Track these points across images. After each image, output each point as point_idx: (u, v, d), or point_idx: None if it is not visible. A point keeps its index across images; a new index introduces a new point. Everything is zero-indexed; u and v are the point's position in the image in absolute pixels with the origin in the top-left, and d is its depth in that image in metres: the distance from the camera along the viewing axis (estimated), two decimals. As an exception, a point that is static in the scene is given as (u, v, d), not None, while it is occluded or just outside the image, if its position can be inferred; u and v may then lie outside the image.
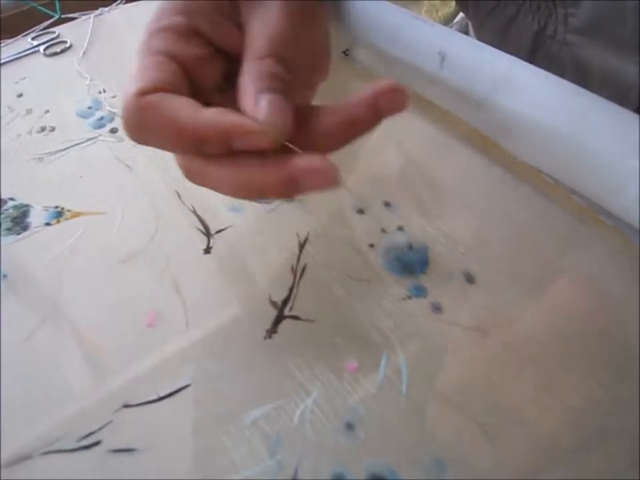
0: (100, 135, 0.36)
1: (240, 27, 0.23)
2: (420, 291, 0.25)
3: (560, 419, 0.21)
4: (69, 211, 0.31)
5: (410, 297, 0.25)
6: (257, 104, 0.19)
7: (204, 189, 0.22)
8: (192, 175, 0.22)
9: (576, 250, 0.27)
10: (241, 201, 0.30)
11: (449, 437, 0.20)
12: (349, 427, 0.21)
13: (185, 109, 0.19)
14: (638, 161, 0.25)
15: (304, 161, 0.19)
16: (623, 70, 0.36)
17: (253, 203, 0.30)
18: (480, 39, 0.47)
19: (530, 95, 0.29)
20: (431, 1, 1.54)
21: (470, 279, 0.26)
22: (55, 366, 0.24)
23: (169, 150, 0.21)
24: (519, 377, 0.22)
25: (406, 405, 0.21)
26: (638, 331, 0.23)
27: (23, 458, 0.21)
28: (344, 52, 0.40)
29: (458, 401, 0.21)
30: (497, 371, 0.22)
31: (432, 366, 0.23)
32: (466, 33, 0.53)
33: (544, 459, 0.20)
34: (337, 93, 0.31)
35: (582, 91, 0.28)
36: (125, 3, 0.51)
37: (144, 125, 0.20)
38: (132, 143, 0.21)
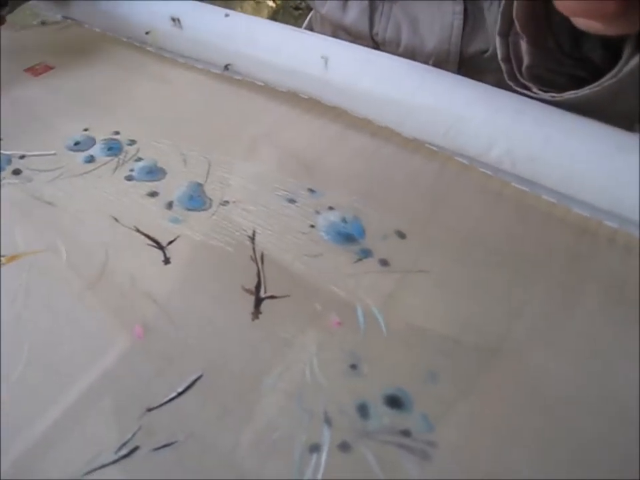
0: (4, 178, 0.35)
1: None
2: (366, 253, 0.30)
3: (492, 327, 0.27)
4: (3, 256, 0.30)
5: (360, 259, 0.30)
6: None
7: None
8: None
9: (449, 189, 0.34)
10: (180, 213, 0.32)
11: (434, 354, 0.25)
12: (354, 367, 0.25)
13: None
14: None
15: None
16: (445, 13, 0.45)
17: (191, 212, 0.33)
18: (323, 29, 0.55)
19: (388, 77, 0.36)
20: (249, 1, 1.60)
21: (401, 235, 0.31)
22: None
23: None
24: (463, 299, 0.28)
25: (391, 340, 0.26)
26: (543, 245, 0.30)
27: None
28: (225, 67, 0.43)
29: (429, 326, 0.26)
30: (448, 299, 0.28)
31: (399, 306, 0.27)
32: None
33: (492, 359, 0.26)
34: (220, 106, 0.35)
35: (420, 65, 0.37)
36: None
37: None
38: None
